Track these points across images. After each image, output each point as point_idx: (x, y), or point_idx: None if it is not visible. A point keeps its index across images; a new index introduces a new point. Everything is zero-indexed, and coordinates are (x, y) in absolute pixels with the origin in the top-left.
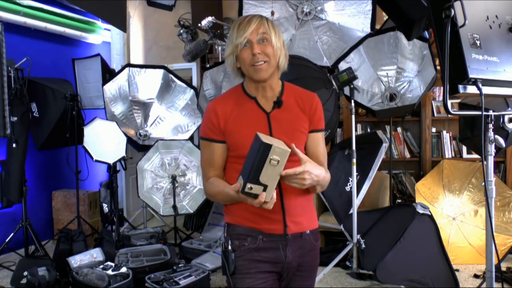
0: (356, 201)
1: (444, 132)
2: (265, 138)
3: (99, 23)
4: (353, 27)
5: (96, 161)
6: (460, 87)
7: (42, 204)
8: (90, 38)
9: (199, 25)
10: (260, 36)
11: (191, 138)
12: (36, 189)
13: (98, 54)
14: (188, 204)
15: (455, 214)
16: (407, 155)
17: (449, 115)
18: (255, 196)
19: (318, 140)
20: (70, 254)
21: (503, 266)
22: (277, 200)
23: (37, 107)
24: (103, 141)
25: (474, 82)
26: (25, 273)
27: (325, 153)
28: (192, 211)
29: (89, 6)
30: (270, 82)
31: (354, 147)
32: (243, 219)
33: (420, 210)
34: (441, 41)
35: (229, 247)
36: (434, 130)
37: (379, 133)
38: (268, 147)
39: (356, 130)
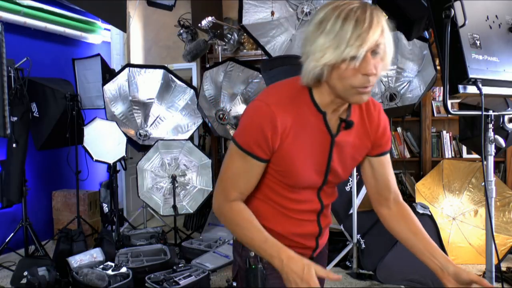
0: (356, 201)
1: (444, 132)
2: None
3: (99, 23)
4: None
5: (96, 161)
6: (460, 87)
7: (42, 204)
8: (90, 38)
9: (199, 25)
10: (379, 47)
11: (191, 138)
12: (36, 189)
13: (98, 54)
14: (188, 204)
15: (455, 214)
16: (407, 155)
17: (449, 115)
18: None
19: (388, 163)
20: (70, 254)
21: (503, 266)
22: (316, 230)
23: (37, 107)
24: (103, 141)
25: (474, 82)
26: (25, 273)
27: (394, 176)
28: (192, 211)
29: (89, 6)
30: None
31: None
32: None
33: (420, 210)
34: (441, 41)
35: (259, 265)
36: (434, 130)
37: None
38: None
39: None
